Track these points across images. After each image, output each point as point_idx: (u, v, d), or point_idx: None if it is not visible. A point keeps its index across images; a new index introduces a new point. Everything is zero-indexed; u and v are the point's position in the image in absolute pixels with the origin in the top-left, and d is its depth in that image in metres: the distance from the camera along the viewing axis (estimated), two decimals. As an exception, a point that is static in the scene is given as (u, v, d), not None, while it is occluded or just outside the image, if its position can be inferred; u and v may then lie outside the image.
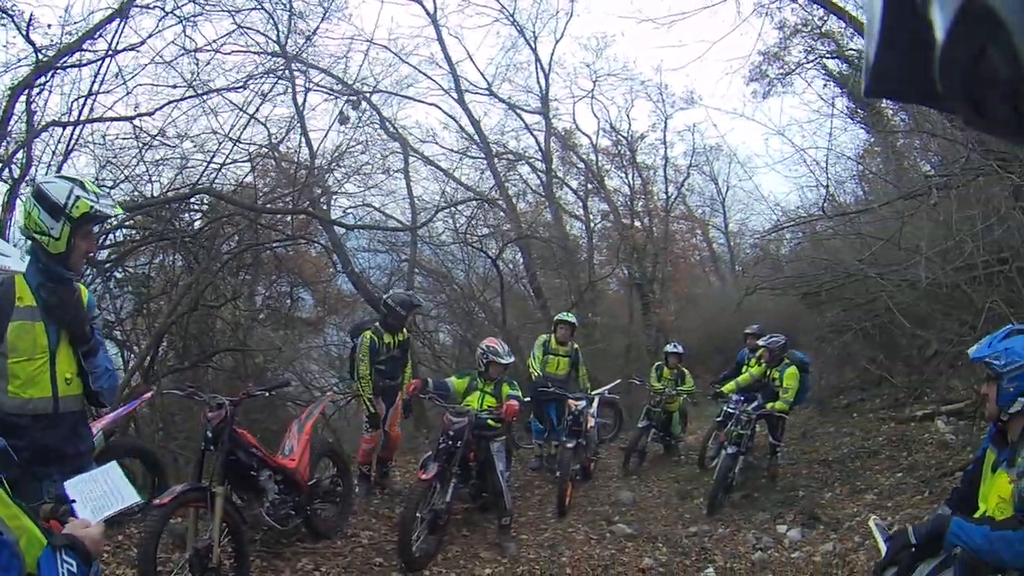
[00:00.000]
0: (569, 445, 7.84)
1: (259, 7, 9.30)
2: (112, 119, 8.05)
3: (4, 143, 7.30)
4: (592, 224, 19.50)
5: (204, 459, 4.81)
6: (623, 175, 19.92)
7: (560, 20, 18.17)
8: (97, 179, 7.58)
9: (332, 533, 6.03)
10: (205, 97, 8.82)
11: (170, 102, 8.48)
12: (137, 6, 7.66)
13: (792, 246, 17.28)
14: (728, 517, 7.68)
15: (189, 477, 4.90)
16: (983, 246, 7.61)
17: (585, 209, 19.48)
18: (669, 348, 10.48)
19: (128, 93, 7.97)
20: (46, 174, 7.38)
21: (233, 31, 9.08)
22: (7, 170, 7.17)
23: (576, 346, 9.56)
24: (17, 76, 7.41)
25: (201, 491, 4.48)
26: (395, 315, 7.42)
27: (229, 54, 9.11)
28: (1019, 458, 2.80)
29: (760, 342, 8.97)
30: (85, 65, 7.60)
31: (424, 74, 16.02)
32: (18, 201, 6.99)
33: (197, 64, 8.66)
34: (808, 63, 14.52)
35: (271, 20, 9.69)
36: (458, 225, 15.25)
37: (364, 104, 12.80)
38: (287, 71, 9.80)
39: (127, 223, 8.16)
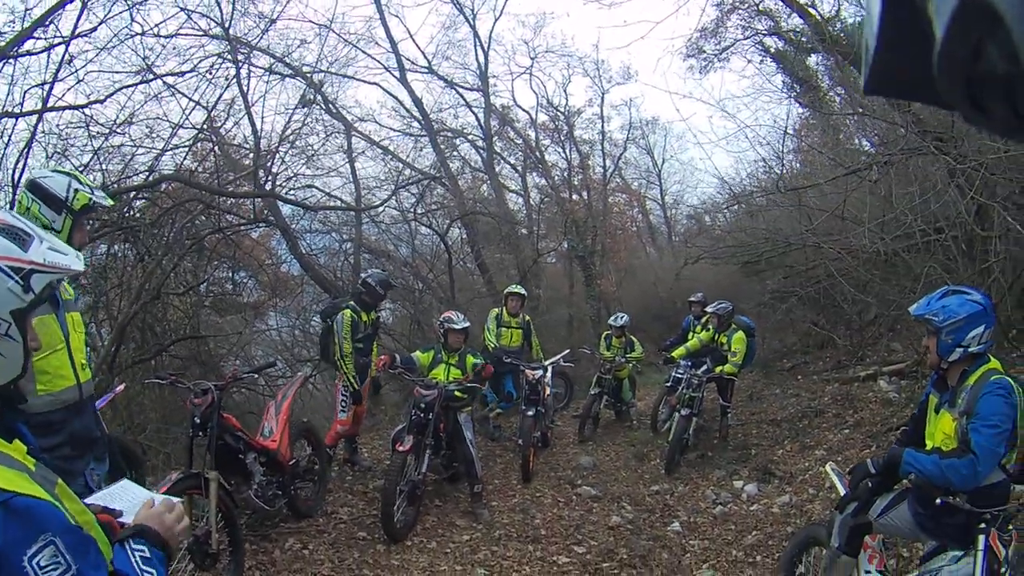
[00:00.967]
0: (529, 413, 8.11)
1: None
2: (65, 108, 7.88)
3: None
4: (531, 199, 19.76)
5: (193, 445, 4.89)
6: (560, 150, 20.20)
7: (499, -1, 18.24)
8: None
9: (313, 511, 6.18)
10: (153, 84, 8.71)
11: (119, 89, 8.34)
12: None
13: (729, 218, 17.83)
14: (686, 476, 8.09)
15: (177, 465, 4.92)
16: (921, 218, 8.07)
17: (524, 184, 19.72)
18: (614, 321, 10.76)
19: (79, 81, 7.82)
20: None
21: (175, 13, 9.00)
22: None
23: (527, 318, 9.84)
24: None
25: (195, 477, 4.54)
26: (373, 294, 7.48)
27: (171, 37, 8.98)
28: (959, 399, 3.28)
29: (709, 308, 9.31)
30: (38, 53, 7.42)
31: (366, 53, 16.09)
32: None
33: (144, 51, 8.55)
34: (745, 39, 14.90)
35: (216, 2, 9.61)
36: (404, 204, 15.35)
37: (312, 92, 12.79)
38: (232, 54, 9.72)
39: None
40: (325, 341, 7.61)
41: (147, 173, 9.04)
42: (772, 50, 15.59)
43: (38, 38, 7.39)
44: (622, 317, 10.80)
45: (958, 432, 3.23)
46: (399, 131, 17.49)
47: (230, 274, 12.85)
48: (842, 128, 12.61)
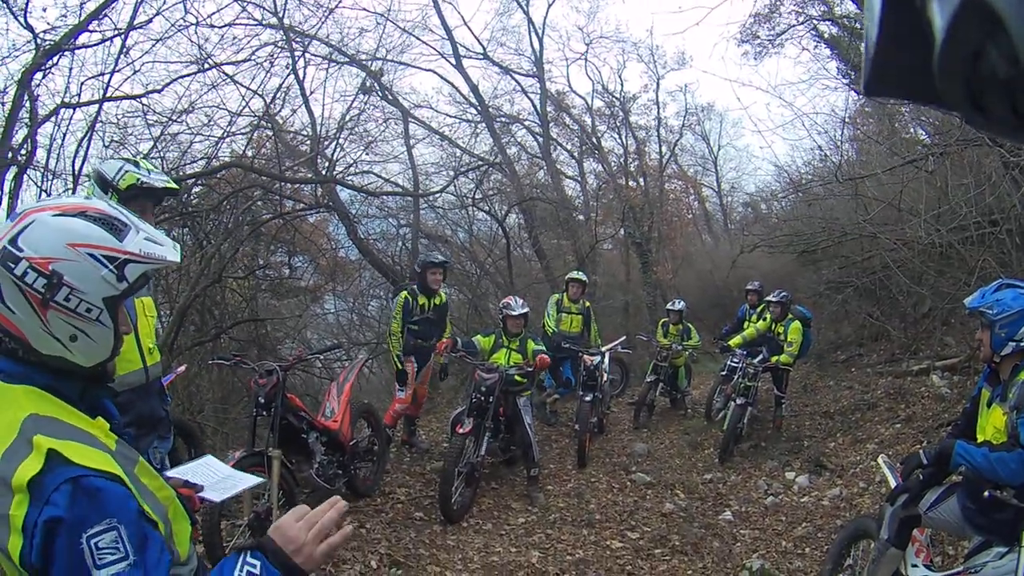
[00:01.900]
0: (587, 399, 8.09)
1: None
2: (123, 98, 8.05)
3: (15, 128, 7.26)
4: (588, 185, 19.65)
5: (256, 425, 5.00)
6: (616, 136, 20.03)
7: (553, -18, 18.20)
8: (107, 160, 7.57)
9: (371, 491, 6.26)
10: (209, 73, 8.81)
11: (176, 79, 8.47)
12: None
13: (785, 206, 17.50)
14: (738, 465, 8.03)
15: (235, 445, 4.99)
16: (976, 210, 7.87)
17: (581, 170, 19.61)
18: (671, 306, 10.70)
19: (136, 72, 7.96)
20: (57, 158, 7.46)
21: (229, 3, 9.05)
22: (16, 155, 7.15)
23: (588, 304, 9.78)
24: (16, 63, 7.37)
25: (258, 456, 4.64)
26: (418, 276, 7.52)
27: (224, 27, 9.05)
28: (1010, 393, 3.22)
29: (771, 297, 9.16)
30: (94, 45, 7.57)
31: (421, 40, 16.01)
32: (23, 186, 7.04)
33: (200, 41, 8.66)
34: (799, 24, 14.60)
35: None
36: (462, 190, 15.37)
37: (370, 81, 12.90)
38: (287, 43, 9.81)
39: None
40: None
41: (206, 161, 9.19)
42: (826, 36, 15.27)
43: (93, 31, 7.52)
44: (679, 302, 10.74)
45: (1008, 425, 3.19)
46: (456, 117, 17.53)
47: (288, 259, 13.07)
48: (897, 117, 12.25)
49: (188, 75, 8.66)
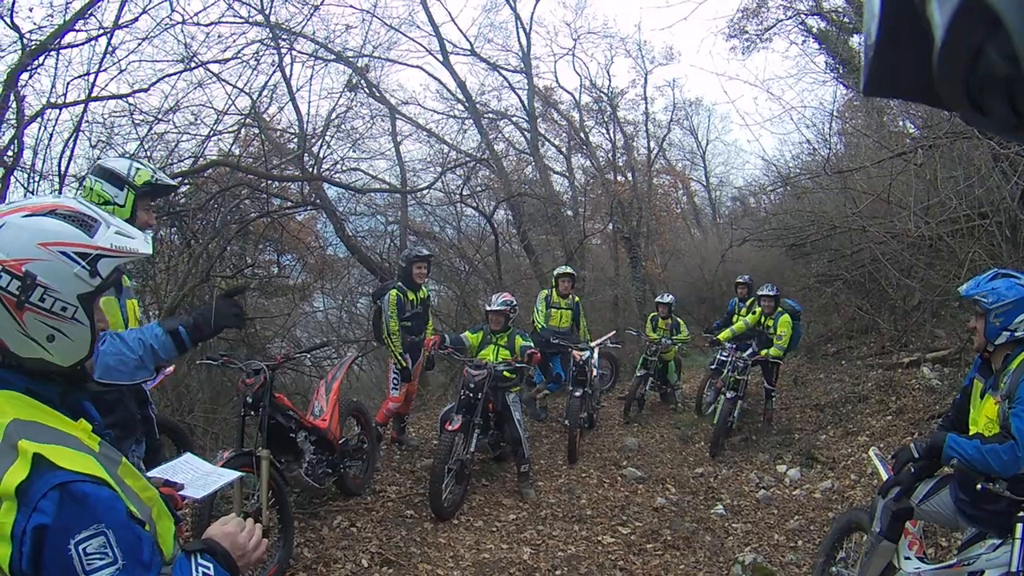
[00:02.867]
0: (576, 394, 8.11)
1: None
2: (109, 97, 7.98)
3: (1, 130, 7.19)
4: (576, 181, 19.65)
5: (244, 425, 4.97)
6: (604, 131, 20.04)
7: (540, -23, 18.18)
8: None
9: (361, 490, 6.23)
10: (196, 71, 8.75)
11: (162, 78, 8.40)
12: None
13: (774, 200, 17.58)
14: (729, 459, 8.07)
15: (224, 445, 4.96)
16: (965, 202, 7.93)
17: (569, 166, 19.61)
18: (660, 299, 10.71)
19: (122, 71, 7.89)
20: (44, 159, 7.39)
21: (215, 2, 9.02)
22: (3, 156, 7.07)
23: (577, 299, 9.79)
24: (2, 64, 7.30)
25: (247, 455, 4.61)
26: (403, 271, 7.55)
27: (212, 25, 8.99)
28: (1002, 383, 3.23)
29: (762, 291, 9.18)
30: (80, 45, 7.50)
31: (408, 37, 16.00)
32: (10, 187, 6.97)
33: (186, 39, 8.60)
34: (787, 19, 14.63)
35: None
36: (450, 186, 15.33)
37: (357, 78, 12.84)
38: (274, 41, 9.75)
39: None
40: (377, 322, 7.73)
41: (193, 159, 9.13)
42: (814, 30, 15.30)
43: (79, 30, 7.45)
44: (668, 295, 10.77)
45: (1000, 416, 3.20)
46: (443, 114, 17.50)
47: (276, 257, 13.00)
48: (886, 110, 12.31)
49: (174, 74, 8.57)
